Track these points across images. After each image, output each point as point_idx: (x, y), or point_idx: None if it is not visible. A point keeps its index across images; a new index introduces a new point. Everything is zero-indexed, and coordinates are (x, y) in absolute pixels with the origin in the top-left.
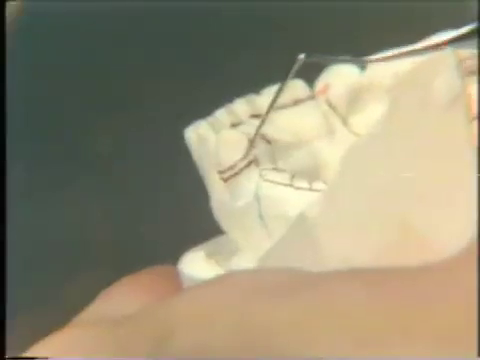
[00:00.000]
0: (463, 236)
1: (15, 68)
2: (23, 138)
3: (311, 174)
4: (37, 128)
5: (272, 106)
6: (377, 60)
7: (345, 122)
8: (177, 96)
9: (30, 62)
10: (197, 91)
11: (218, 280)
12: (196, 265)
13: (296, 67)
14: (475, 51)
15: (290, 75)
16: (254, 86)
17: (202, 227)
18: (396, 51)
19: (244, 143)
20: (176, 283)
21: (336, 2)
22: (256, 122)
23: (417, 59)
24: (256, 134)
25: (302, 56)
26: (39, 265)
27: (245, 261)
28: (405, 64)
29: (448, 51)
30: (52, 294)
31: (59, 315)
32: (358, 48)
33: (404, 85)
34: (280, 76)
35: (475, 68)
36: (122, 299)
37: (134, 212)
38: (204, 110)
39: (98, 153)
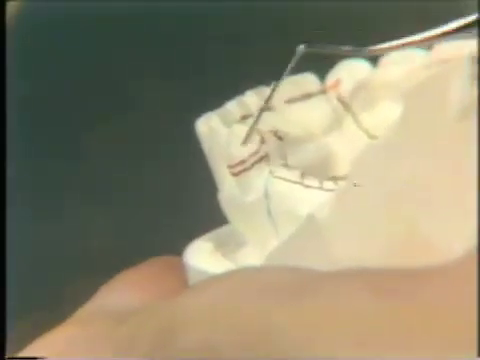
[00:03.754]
0: (468, 240)
1: (15, 68)
2: (23, 139)
3: (320, 169)
4: (37, 128)
5: (269, 99)
6: (379, 51)
7: (355, 118)
8: (177, 96)
9: (30, 62)
10: (197, 91)
11: (224, 278)
12: (201, 257)
13: (297, 57)
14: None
15: (290, 65)
16: (254, 84)
17: (201, 227)
18: (399, 41)
19: (255, 138)
20: (179, 274)
21: (336, 2)
22: (266, 114)
23: (429, 65)
24: (253, 126)
25: (303, 46)
26: (39, 266)
27: (252, 256)
28: (417, 63)
29: (463, 59)
30: (52, 294)
31: (59, 315)
32: (358, 46)
33: (419, 93)
34: (281, 74)
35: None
36: (124, 293)
37: (135, 213)
38: (204, 110)
39: (98, 154)
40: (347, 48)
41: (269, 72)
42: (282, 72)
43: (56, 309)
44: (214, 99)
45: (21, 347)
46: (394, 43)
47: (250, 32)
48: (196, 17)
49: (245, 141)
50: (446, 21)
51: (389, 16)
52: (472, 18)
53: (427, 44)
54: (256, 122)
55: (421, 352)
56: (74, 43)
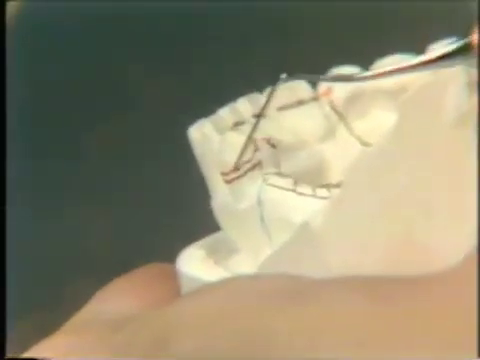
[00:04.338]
0: (465, 246)
1: (15, 68)
2: (23, 139)
3: (313, 176)
4: (37, 128)
5: (264, 109)
6: (364, 78)
7: (347, 125)
8: (177, 96)
9: (30, 62)
10: (197, 91)
11: (219, 285)
12: (194, 264)
13: (278, 86)
14: (468, 67)
15: (272, 94)
16: (254, 85)
17: (201, 228)
18: (385, 69)
19: (249, 146)
20: (172, 281)
21: (336, 2)
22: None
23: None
24: (250, 135)
25: (284, 76)
26: (39, 266)
27: (244, 263)
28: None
29: (459, 68)
30: (52, 294)
31: (59, 315)
32: (358, 46)
33: (414, 99)
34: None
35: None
36: (118, 300)
37: (134, 214)
38: (204, 110)
39: (98, 154)
40: (327, 77)
41: (269, 72)
42: (282, 73)
43: (56, 309)
44: (214, 99)
45: (21, 347)
46: (383, 70)
47: (250, 32)
48: (196, 17)
49: (242, 153)
50: (447, 28)
51: (389, 16)
52: (462, 42)
53: (417, 71)
54: (253, 132)
55: (422, 354)
56: (74, 43)
